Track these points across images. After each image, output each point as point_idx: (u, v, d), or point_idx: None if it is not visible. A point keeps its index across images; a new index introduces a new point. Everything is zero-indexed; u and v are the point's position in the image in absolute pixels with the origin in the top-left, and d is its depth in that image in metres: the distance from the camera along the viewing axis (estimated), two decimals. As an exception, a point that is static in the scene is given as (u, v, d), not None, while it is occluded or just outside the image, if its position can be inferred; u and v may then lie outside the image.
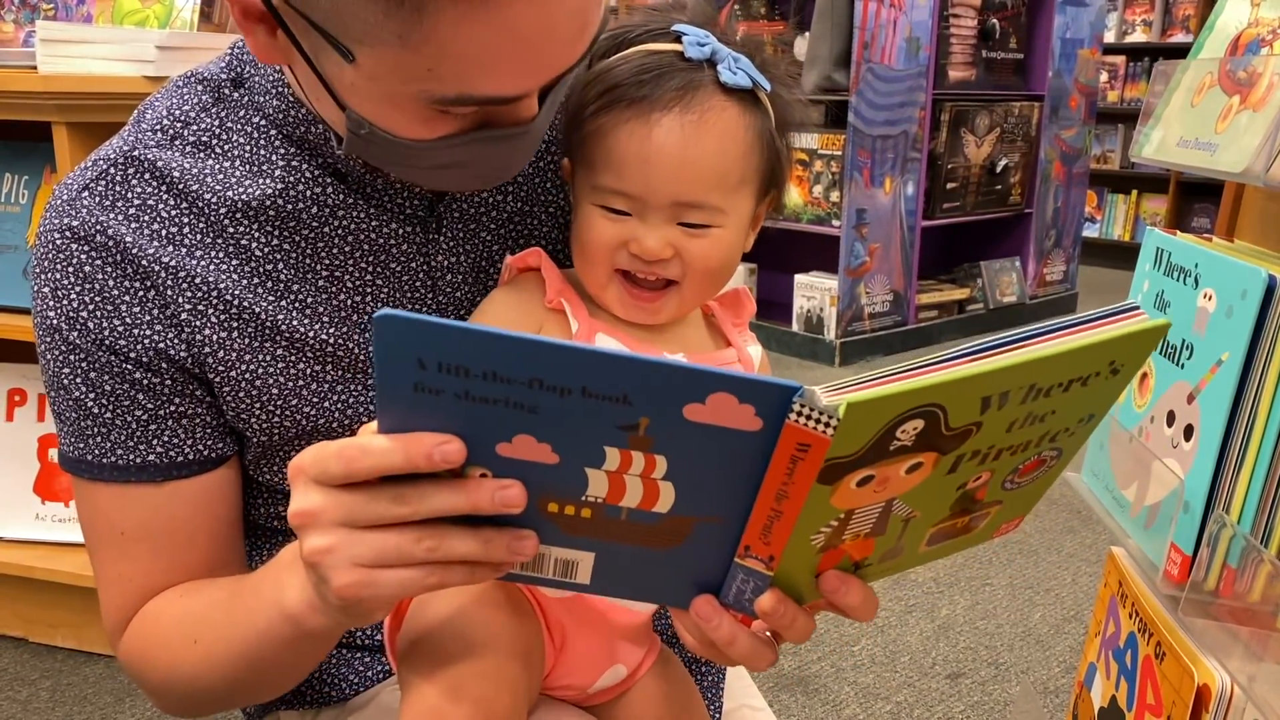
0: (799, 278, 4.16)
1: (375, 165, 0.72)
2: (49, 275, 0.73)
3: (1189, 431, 0.72)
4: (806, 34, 3.94)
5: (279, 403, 0.76)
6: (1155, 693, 0.75)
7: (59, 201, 0.74)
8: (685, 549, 0.56)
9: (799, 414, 0.48)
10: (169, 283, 0.73)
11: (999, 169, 4.45)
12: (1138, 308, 0.53)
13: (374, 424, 0.53)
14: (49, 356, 0.74)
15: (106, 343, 0.73)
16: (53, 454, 2.01)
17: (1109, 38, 5.97)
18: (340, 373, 0.77)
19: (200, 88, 0.78)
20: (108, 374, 0.73)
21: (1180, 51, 5.79)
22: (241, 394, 0.75)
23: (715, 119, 0.72)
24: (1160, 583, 0.73)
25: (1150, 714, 0.75)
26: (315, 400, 0.77)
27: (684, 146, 0.71)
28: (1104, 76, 6.10)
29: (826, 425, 0.48)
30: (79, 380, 0.73)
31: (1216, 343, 0.70)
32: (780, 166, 0.78)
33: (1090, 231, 6.18)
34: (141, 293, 0.73)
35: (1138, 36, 6.26)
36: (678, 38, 0.74)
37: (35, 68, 1.70)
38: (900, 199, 4.12)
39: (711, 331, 0.83)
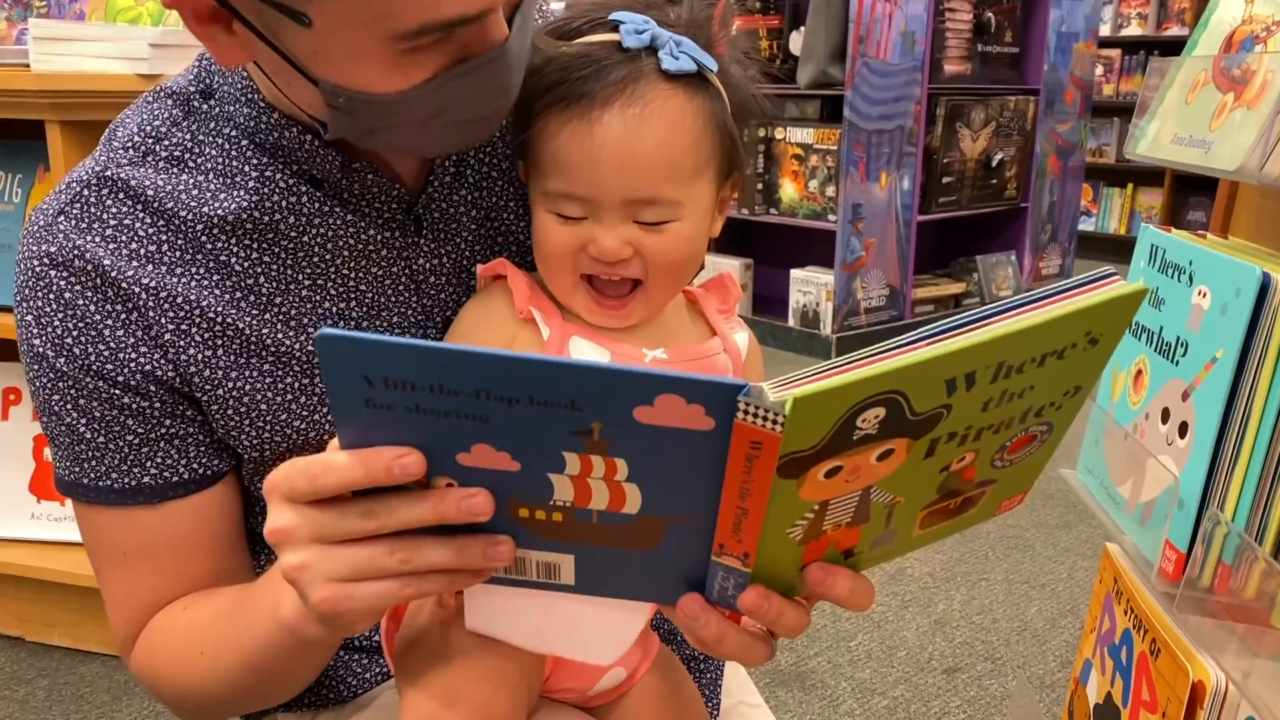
0: (795, 273, 4.16)
1: (364, 140, 0.70)
2: (31, 303, 0.73)
3: (1184, 429, 0.72)
4: (802, 28, 3.93)
5: (268, 418, 0.75)
6: (1150, 689, 0.75)
7: (35, 228, 0.74)
8: (663, 549, 0.56)
9: (745, 412, 0.48)
10: (150, 304, 0.72)
11: (994, 163, 4.45)
12: (1114, 274, 0.52)
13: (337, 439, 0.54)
14: (38, 384, 0.74)
15: (93, 368, 0.72)
16: (48, 454, 2.00)
17: (1104, 31, 5.96)
18: None
19: (170, 102, 0.77)
20: (96, 400, 0.73)
21: (1175, 45, 5.79)
22: (230, 411, 0.75)
23: (659, 109, 0.70)
24: (1155, 579, 0.74)
25: (1145, 710, 0.75)
26: (304, 414, 0.76)
27: (629, 142, 0.69)
28: (1099, 70, 6.10)
29: (774, 422, 0.47)
30: (69, 406, 0.73)
31: (1211, 340, 0.70)
32: (737, 148, 0.75)
33: (1086, 225, 6.18)
34: (124, 315, 0.72)
35: (1133, 30, 6.26)
36: (616, 27, 0.71)
37: (28, 66, 1.69)
38: (896, 193, 4.12)
39: (696, 321, 0.82)
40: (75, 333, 0.72)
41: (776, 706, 1.92)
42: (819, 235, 4.04)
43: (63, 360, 0.72)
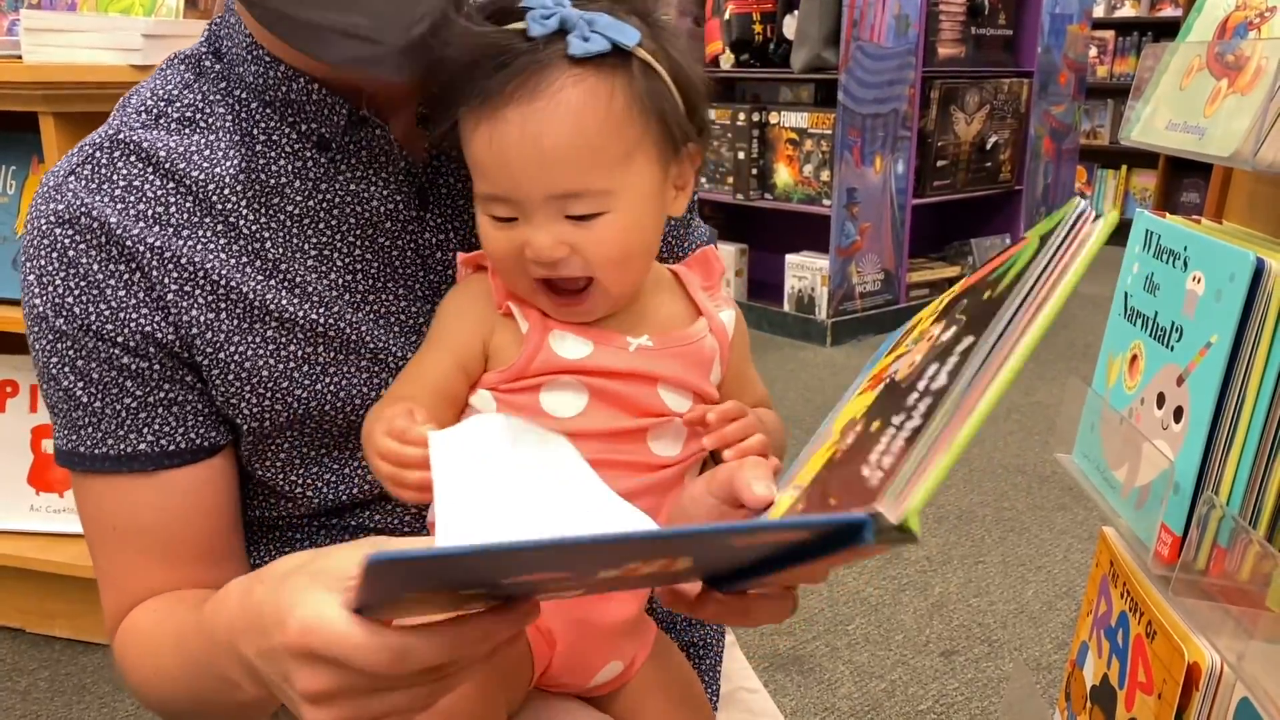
0: (790, 258, 4.15)
1: (276, 27, 0.68)
2: (35, 262, 0.73)
3: (1179, 414, 0.73)
4: (795, 12, 3.92)
5: (269, 385, 0.75)
6: (1146, 671, 0.75)
7: (46, 188, 0.75)
8: (695, 569, 0.56)
9: (870, 541, 0.45)
10: (154, 264, 0.73)
11: (989, 146, 4.45)
12: (1084, 206, 0.51)
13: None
14: (38, 346, 0.75)
15: (93, 328, 0.72)
16: (46, 445, 2.01)
17: (1098, 12, 5.95)
18: (332, 354, 0.76)
19: (182, 67, 0.78)
20: (94, 361, 0.73)
21: (1169, 26, 5.78)
22: (231, 377, 0.75)
23: (565, 99, 0.66)
24: (1151, 563, 0.74)
25: (1141, 692, 0.76)
26: (307, 383, 0.76)
27: (540, 137, 0.66)
28: (1093, 52, 6.09)
29: (901, 540, 0.45)
30: (67, 369, 0.73)
31: (1205, 325, 0.70)
32: (678, 117, 0.71)
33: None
34: (127, 275, 0.73)
35: (1126, 11, 6.25)
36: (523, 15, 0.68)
37: (20, 57, 1.69)
38: (890, 177, 4.12)
39: (680, 301, 0.79)
40: (76, 291, 0.72)
41: (775, 690, 1.93)
42: (814, 220, 4.04)
43: (62, 320, 0.73)
